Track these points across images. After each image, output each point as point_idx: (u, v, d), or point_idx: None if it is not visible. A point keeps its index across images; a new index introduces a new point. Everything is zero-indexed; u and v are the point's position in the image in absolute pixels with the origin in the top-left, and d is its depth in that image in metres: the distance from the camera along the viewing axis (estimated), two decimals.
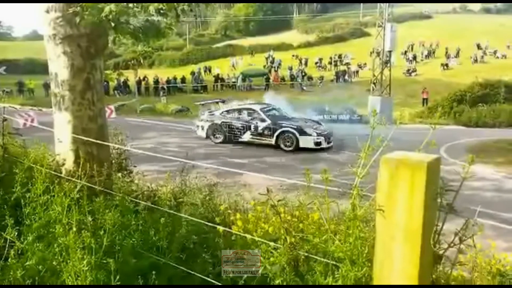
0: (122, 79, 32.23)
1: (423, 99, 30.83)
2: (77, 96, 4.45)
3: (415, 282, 1.36)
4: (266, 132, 14.36)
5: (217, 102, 17.31)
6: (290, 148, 13.83)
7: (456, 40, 46.94)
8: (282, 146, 14.03)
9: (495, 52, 44.96)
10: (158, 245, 2.50)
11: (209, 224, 3.11)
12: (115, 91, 33.11)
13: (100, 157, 4.88)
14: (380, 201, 1.42)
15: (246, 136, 14.68)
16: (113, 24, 4.82)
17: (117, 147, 5.75)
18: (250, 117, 14.85)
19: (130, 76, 31.67)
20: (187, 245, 2.72)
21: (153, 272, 2.11)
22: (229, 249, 2.95)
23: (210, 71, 42.86)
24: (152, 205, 3.04)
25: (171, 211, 2.94)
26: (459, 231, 1.48)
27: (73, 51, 4.32)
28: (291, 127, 14.17)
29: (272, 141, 14.25)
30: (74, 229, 2.03)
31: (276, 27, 63.27)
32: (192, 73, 38.59)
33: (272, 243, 1.99)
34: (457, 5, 69.68)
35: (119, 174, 4.93)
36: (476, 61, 42.96)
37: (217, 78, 37.85)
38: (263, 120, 14.58)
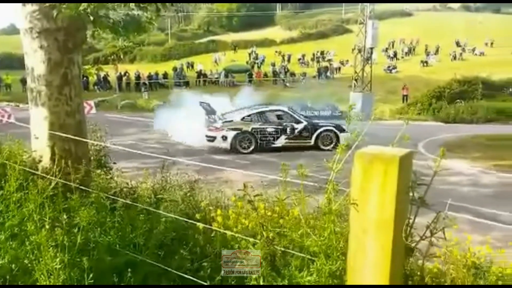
0: (102, 74, 31.73)
1: (403, 95, 31.30)
2: (54, 91, 4.36)
3: (387, 274, 1.38)
4: (304, 133, 13.69)
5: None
6: (329, 147, 13.29)
7: (436, 37, 47.75)
8: (321, 146, 13.64)
9: (473, 50, 45.97)
10: (135, 242, 2.47)
11: (188, 221, 3.09)
12: (95, 87, 32.59)
13: (78, 154, 4.79)
14: (353, 195, 1.44)
15: (281, 141, 13.54)
16: (91, 18, 4.72)
17: (96, 144, 5.66)
18: (281, 120, 13.78)
19: (111, 71, 31.22)
20: (165, 241, 2.70)
21: (129, 270, 2.08)
22: (209, 245, 2.95)
23: (192, 66, 42.55)
24: (130, 202, 3.00)
25: (149, 208, 2.91)
26: (430, 224, 1.51)
27: (50, 45, 4.22)
28: (330, 126, 13.97)
29: (311, 142, 13.72)
30: (47, 226, 1.98)
31: (259, 23, 63.15)
32: (174, 69, 38.24)
33: (251, 239, 1.99)
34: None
35: (98, 171, 4.86)
36: (455, 58, 43.85)
37: (200, 74, 37.64)
38: (298, 122, 13.84)
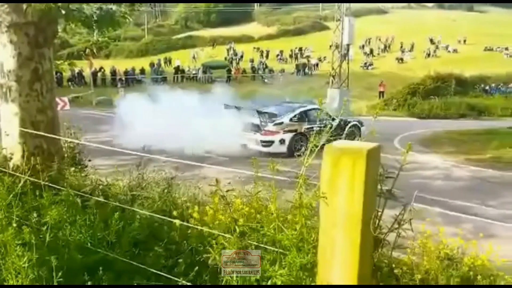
0: (76, 69, 31.04)
1: (380, 92, 31.82)
2: (25, 87, 4.25)
3: (356, 266, 1.41)
4: (337, 129, 12.19)
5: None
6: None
7: (411, 35, 48.67)
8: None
9: (447, 47, 47.10)
10: (108, 240, 2.44)
11: (163, 217, 3.07)
12: (69, 82, 31.85)
13: (51, 151, 4.69)
14: (323, 189, 1.46)
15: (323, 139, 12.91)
16: (63, 12, 4.61)
17: (69, 141, 5.54)
18: (323, 119, 12.92)
19: (86, 67, 30.55)
20: (140, 239, 2.68)
21: (100, 268, 2.05)
22: (185, 242, 2.94)
23: (170, 62, 42.03)
24: (102, 200, 2.96)
25: (122, 205, 2.88)
26: (397, 216, 1.55)
27: (20, 40, 4.12)
28: (354, 121, 13.98)
29: (343, 137, 12.43)
30: (14, 225, 1.94)
31: (237, 19, 62.88)
32: (152, 65, 37.70)
33: (227, 235, 2.00)
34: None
35: (72, 169, 4.77)
36: (429, 55, 44.83)
37: (178, 70, 37.23)
38: (333, 119, 13.06)
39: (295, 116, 12.84)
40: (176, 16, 67.40)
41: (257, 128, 12.40)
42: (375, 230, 1.49)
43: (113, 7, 5.62)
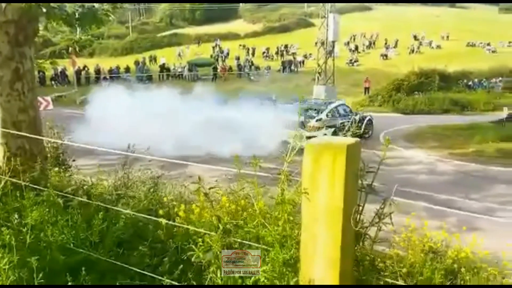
0: (59, 68, 30.55)
1: (365, 88, 32.06)
2: (6, 87, 4.19)
3: (337, 261, 1.43)
4: (359, 123, 14.18)
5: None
6: (368, 135, 14.77)
7: (395, 31, 49.11)
8: (365, 134, 14.49)
9: (430, 43, 47.66)
10: (91, 240, 2.42)
11: (148, 216, 3.06)
12: (52, 82, 31.34)
13: (33, 151, 4.63)
14: (305, 185, 1.47)
15: (350, 132, 13.65)
16: (44, 10, 4.54)
17: (53, 141, 5.47)
18: (345, 112, 14.55)
19: (69, 66, 30.09)
20: (124, 238, 2.66)
21: (83, 268, 2.03)
22: (170, 240, 2.93)
23: (155, 60, 41.67)
24: (86, 200, 2.93)
25: (105, 205, 2.85)
26: (378, 210, 1.57)
27: (0, 39, 4.05)
28: (369, 116, 15.43)
29: (362, 131, 14.12)
30: None
31: (223, 16, 62.59)
32: (136, 63, 37.31)
33: (213, 233, 1.99)
34: None
35: (56, 169, 4.71)
36: (413, 51, 45.30)
37: (163, 68, 36.91)
38: (356, 114, 14.84)
39: (330, 112, 13.84)
40: (160, 13, 66.83)
41: (301, 125, 12.67)
42: (356, 225, 1.50)
43: (96, 4, 5.56)
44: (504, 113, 17.97)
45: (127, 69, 35.91)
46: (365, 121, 14.95)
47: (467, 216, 6.93)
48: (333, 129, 13.10)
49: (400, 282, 1.62)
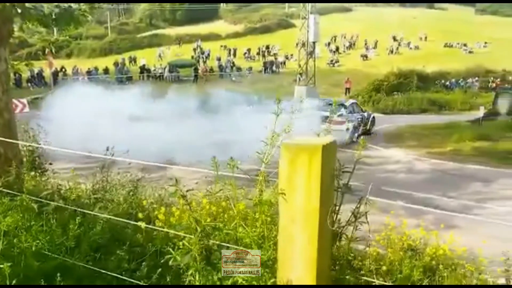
0: (36, 70, 29.90)
1: (346, 88, 32.41)
2: None
3: (314, 260, 1.43)
4: (365, 120, 15.88)
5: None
6: (372, 131, 16.39)
7: (374, 32, 49.82)
8: (370, 131, 16.15)
9: (408, 44, 48.53)
10: (67, 246, 2.36)
11: (127, 220, 3.01)
12: (29, 83, 30.66)
13: (8, 155, 4.52)
14: (281, 186, 1.47)
15: (362, 128, 15.50)
16: (19, 10, 4.43)
17: (28, 144, 5.33)
18: (356, 110, 15.66)
19: (46, 67, 29.47)
20: (102, 243, 2.61)
21: (58, 274, 1.99)
22: (150, 244, 2.89)
23: (135, 61, 41.16)
24: (62, 204, 2.86)
25: (81, 209, 2.80)
26: (354, 210, 1.58)
27: None
28: (372, 114, 17.29)
29: (368, 127, 16.06)
30: None
31: (204, 17, 62.30)
32: (116, 64, 36.80)
33: (191, 235, 1.97)
34: None
35: (32, 173, 4.60)
36: (392, 52, 46.06)
37: (143, 69, 36.50)
38: (364, 111, 16.38)
39: (348, 109, 14.99)
40: (140, 14, 66.07)
41: (326, 119, 13.41)
42: (332, 224, 1.51)
43: (73, 4, 5.45)
44: (480, 113, 18.42)
45: (106, 70, 35.37)
46: (371, 118, 16.53)
47: (445, 214, 7.04)
48: (352, 124, 14.14)
49: (376, 281, 1.64)
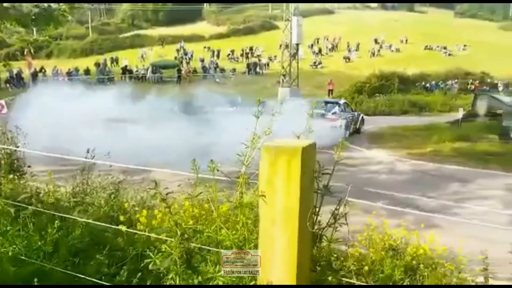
0: (15, 71, 29.29)
1: (329, 90, 32.66)
2: None
3: (294, 261, 1.44)
4: (355, 119, 17.07)
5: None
6: (362, 130, 17.57)
7: (357, 34, 50.42)
8: (360, 130, 17.35)
9: (390, 46, 49.27)
10: (45, 250, 2.31)
11: (108, 224, 2.97)
12: (7, 84, 30.02)
13: None
14: (262, 188, 1.47)
15: (352, 126, 16.65)
16: None
17: (6, 147, 5.21)
18: (347, 109, 16.84)
19: (25, 67, 28.88)
20: (81, 247, 2.56)
21: (35, 279, 1.94)
22: (131, 247, 2.85)
23: (117, 62, 40.66)
24: (40, 208, 2.80)
25: (59, 213, 2.74)
26: (334, 211, 1.59)
27: None
28: (362, 114, 18.61)
29: (357, 126, 17.20)
30: None
31: (187, 17, 61.97)
32: (97, 64, 36.28)
33: (171, 239, 1.95)
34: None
35: (11, 176, 4.50)
36: (373, 54, 46.69)
37: (125, 70, 36.08)
38: (354, 111, 17.80)
39: (340, 107, 16.22)
40: (122, 14, 65.27)
41: (322, 117, 14.62)
42: (312, 226, 1.52)
43: (52, 4, 5.35)
44: (459, 114, 18.80)
45: (87, 71, 34.84)
46: (360, 118, 17.63)
47: (425, 214, 7.16)
48: (344, 121, 15.30)
49: (355, 281, 1.66)
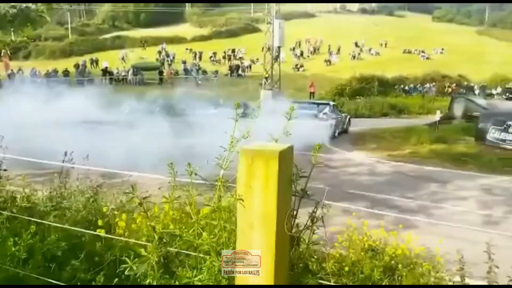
0: None
1: (310, 92, 32.94)
2: None
3: (272, 265, 1.44)
4: (343, 120, 18.38)
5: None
6: (349, 130, 18.89)
7: (337, 38, 51.04)
8: (348, 130, 18.83)
9: (370, 50, 50.06)
10: (19, 257, 2.25)
11: (86, 228, 2.92)
12: None
13: None
14: (240, 191, 1.48)
15: (341, 126, 18.06)
16: None
17: None
18: (336, 111, 18.08)
19: (1, 69, 28.18)
20: (57, 252, 2.51)
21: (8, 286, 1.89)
22: (109, 252, 2.81)
23: (97, 63, 40.07)
24: (13, 214, 2.73)
25: (37, 218, 2.68)
26: (311, 214, 1.61)
27: None
28: (348, 115, 19.76)
29: (345, 127, 18.66)
30: None
31: (169, 19, 61.59)
32: (76, 66, 35.68)
33: (148, 243, 1.93)
34: (338, 4, 75.51)
35: None
36: (354, 57, 47.38)
37: (105, 72, 35.57)
38: (342, 112, 19.18)
39: (329, 108, 17.56)
40: (103, 15, 64.40)
41: (314, 117, 16.35)
42: (290, 229, 1.53)
43: (30, 4, 5.23)
44: (437, 116, 19.19)
45: (66, 73, 34.19)
46: (347, 119, 18.97)
47: (404, 214, 7.27)
48: (334, 121, 16.69)
49: (328, 282, 1.67)
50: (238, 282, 1.48)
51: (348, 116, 19.73)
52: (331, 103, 19.05)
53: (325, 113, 17.08)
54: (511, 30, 60.09)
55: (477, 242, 3.56)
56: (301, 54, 47.50)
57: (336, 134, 16.91)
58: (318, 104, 18.50)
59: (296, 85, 35.20)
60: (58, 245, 2.54)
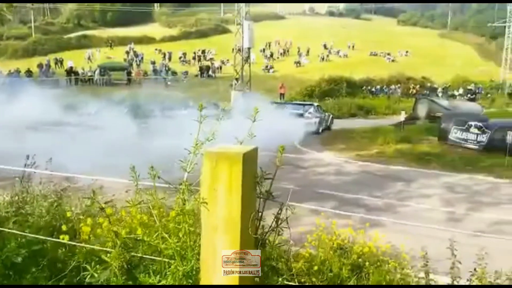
0: None
1: (280, 94, 33.15)
2: None
3: (236, 267, 1.44)
4: (326, 118, 20.75)
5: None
6: (331, 128, 20.64)
7: (306, 40, 51.69)
8: (331, 128, 20.71)
9: (338, 52, 50.97)
10: None
11: (49, 233, 2.82)
12: None
13: None
14: (204, 194, 1.46)
15: (325, 125, 20.21)
16: None
17: None
18: (319, 111, 20.26)
19: None
20: (17, 260, 2.41)
21: None
22: (72, 259, 2.72)
23: (61, 63, 38.85)
24: None
25: None
26: (276, 215, 1.61)
27: None
28: (331, 114, 21.97)
29: (328, 125, 20.74)
30: None
31: (136, 19, 60.47)
32: (40, 66, 34.46)
33: (111, 249, 1.88)
34: (306, 7, 76.45)
35: None
36: (323, 59, 48.11)
37: (70, 72, 34.51)
38: (325, 111, 21.27)
39: (314, 108, 19.83)
40: (68, 14, 62.42)
41: (301, 116, 18.53)
42: (255, 231, 1.53)
43: None
44: (401, 117, 19.74)
45: (29, 73, 32.96)
46: (330, 118, 21.02)
47: (371, 213, 7.45)
48: (318, 119, 18.91)
49: (294, 283, 1.69)
50: (202, 283, 1.47)
51: (331, 115, 21.72)
52: (315, 104, 21.25)
53: (310, 112, 19.17)
54: (472, 34, 62.76)
55: (441, 239, 3.69)
56: (271, 55, 47.78)
57: (320, 131, 18.87)
58: (304, 104, 20.83)
59: (266, 86, 35.31)
60: (18, 252, 2.44)
